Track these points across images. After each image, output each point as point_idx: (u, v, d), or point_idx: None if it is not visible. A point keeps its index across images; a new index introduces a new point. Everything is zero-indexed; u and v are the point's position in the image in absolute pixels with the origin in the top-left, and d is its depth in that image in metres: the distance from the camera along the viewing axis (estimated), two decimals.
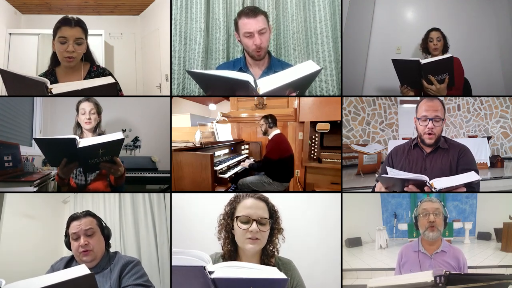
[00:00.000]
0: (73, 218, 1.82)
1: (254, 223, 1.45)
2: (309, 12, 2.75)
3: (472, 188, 1.75)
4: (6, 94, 2.01)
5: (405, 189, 1.62)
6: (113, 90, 2.01)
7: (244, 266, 1.19)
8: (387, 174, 1.73)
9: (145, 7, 4.02)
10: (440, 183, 1.56)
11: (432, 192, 1.59)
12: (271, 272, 1.16)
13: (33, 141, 3.48)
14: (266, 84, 1.84)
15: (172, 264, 1.17)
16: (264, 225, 1.48)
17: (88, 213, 1.85)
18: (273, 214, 1.54)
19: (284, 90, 1.88)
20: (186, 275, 1.17)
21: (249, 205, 1.50)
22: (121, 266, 1.75)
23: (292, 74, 1.85)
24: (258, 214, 1.48)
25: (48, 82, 1.84)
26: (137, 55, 4.28)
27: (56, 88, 1.84)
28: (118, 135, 1.86)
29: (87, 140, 1.82)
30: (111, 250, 1.88)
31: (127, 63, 4.25)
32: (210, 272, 1.14)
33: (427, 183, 1.56)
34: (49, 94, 1.83)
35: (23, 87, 1.87)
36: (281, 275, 1.15)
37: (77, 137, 1.81)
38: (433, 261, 1.85)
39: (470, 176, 1.59)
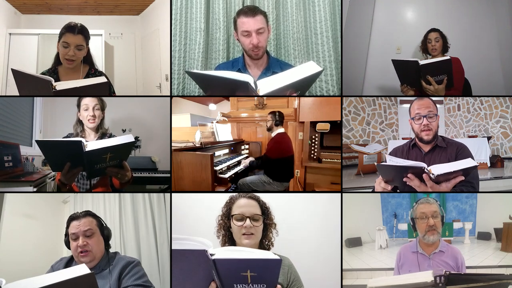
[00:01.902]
0: (73, 218, 1.80)
1: (248, 220, 1.60)
2: (309, 12, 2.75)
3: (471, 183, 1.75)
4: (9, 94, 2.09)
5: (404, 179, 1.61)
6: (105, 89, 2.10)
7: (242, 250, 1.33)
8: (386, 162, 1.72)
9: (145, 7, 4.02)
10: (438, 169, 1.55)
11: (430, 186, 1.57)
12: (266, 254, 1.27)
13: (33, 140, 3.48)
14: (266, 85, 1.84)
15: (176, 248, 1.25)
16: (257, 220, 1.62)
17: (88, 213, 1.83)
18: (264, 210, 1.68)
19: (285, 91, 1.88)
20: (188, 260, 1.25)
21: (242, 204, 1.65)
22: (121, 267, 1.74)
23: (292, 75, 1.84)
24: (250, 211, 1.62)
25: (53, 80, 1.92)
26: (137, 55, 4.28)
27: (59, 85, 1.94)
28: (129, 138, 1.75)
29: (94, 144, 1.70)
30: (111, 250, 1.87)
31: (127, 63, 4.25)
32: (211, 255, 1.23)
33: (425, 170, 1.56)
34: (53, 90, 1.91)
35: (31, 85, 1.99)
36: (275, 256, 1.24)
37: (83, 140, 1.69)
38: (432, 261, 1.84)
39: (467, 162, 1.58)
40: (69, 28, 2.17)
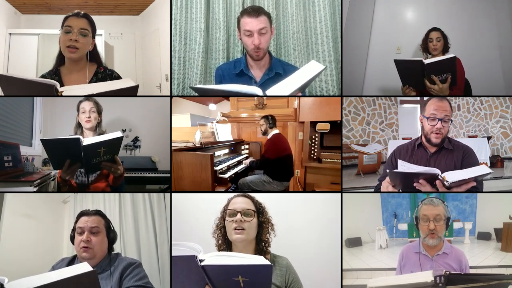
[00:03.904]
0: (83, 213, 1.85)
1: (239, 214, 1.61)
2: (309, 12, 2.75)
3: (476, 188, 1.75)
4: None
5: (415, 184, 1.59)
6: (134, 93, 2.00)
7: (233, 255, 1.29)
8: (397, 168, 1.70)
9: (145, 7, 4.02)
10: (453, 176, 1.54)
11: (442, 191, 1.57)
12: (257, 259, 1.25)
13: (33, 140, 3.48)
14: (278, 92, 1.86)
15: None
16: (249, 216, 1.62)
17: (98, 212, 1.87)
18: (259, 208, 1.68)
19: (293, 94, 1.90)
20: (180, 265, 1.27)
21: (235, 202, 1.67)
22: (122, 268, 1.75)
23: (299, 78, 1.86)
24: (242, 206, 1.64)
25: (58, 84, 1.84)
26: (137, 55, 4.28)
27: (67, 92, 1.84)
28: (117, 134, 1.89)
29: (89, 139, 1.82)
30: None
31: (127, 63, 4.25)
32: (201, 261, 1.24)
33: (439, 177, 1.54)
34: (59, 96, 1.84)
35: (27, 92, 1.85)
36: (266, 261, 1.23)
37: (80, 136, 1.81)
38: (435, 263, 1.80)
39: (481, 169, 1.58)
40: (73, 13, 2.05)
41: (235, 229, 1.58)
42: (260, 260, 1.25)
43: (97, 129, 2.29)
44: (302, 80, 1.85)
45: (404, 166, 1.65)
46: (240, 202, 1.66)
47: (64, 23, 2.05)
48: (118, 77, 2.24)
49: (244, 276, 1.22)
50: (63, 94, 1.83)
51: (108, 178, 2.22)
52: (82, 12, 2.05)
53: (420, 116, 1.94)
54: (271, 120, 3.70)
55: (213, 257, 1.26)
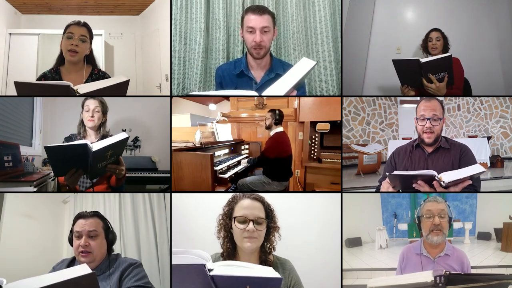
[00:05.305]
0: (80, 216, 1.81)
1: (251, 223, 1.50)
2: (309, 12, 2.75)
3: (474, 187, 1.76)
4: (8, 94, 2.11)
5: (414, 185, 1.64)
6: (126, 87, 2.20)
7: (242, 265, 1.24)
8: (395, 170, 1.76)
9: (145, 7, 4.02)
10: (448, 176, 1.60)
11: (439, 191, 1.60)
12: (267, 271, 1.21)
13: (33, 140, 3.48)
14: (273, 93, 1.87)
15: (174, 263, 1.21)
16: (261, 224, 1.53)
17: (95, 214, 1.83)
18: (269, 213, 1.59)
19: (289, 93, 1.92)
20: (187, 274, 1.21)
21: (245, 206, 1.55)
22: (122, 268, 1.73)
23: (293, 76, 1.88)
24: (254, 214, 1.52)
25: (71, 84, 1.98)
26: (137, 55, 4.27)
27: (82, 88, 2.03)
28: (123, 135, 1.88)
29: (97, 144, 1.78)
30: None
31: (127, 63, 4.24)
32: (210, 270, 1.19)
33: (436, 178, 1.59)
34: (77, 94, 2.00)
35: (42, 94, 2.10)
36: (276, 274, 1.20)
37: (88, 142, 1.76)
38: (436, 265, 1.78)
39: (475, 168, 1.64)
40: (75, 22, 2.30)
41: (246, 237, 1.50)
42: (270, 272, 1.21)
43: (101, 129, 2.29)
44: (295, 78, 1.87)
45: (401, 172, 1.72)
46: (251, 208, 1.53)
47: (66, 30, 2.28)
48: (109, 78, 2.39)
49: (253, 287, 1.18)
50: (79, 91, 1.99)
51: (109, 179, 2.21)
52: (83, 22, 2.32)
53: (414, 118, 1.98)
54: (278, 116, 3.54)
55: (222, 267, 1.21)
